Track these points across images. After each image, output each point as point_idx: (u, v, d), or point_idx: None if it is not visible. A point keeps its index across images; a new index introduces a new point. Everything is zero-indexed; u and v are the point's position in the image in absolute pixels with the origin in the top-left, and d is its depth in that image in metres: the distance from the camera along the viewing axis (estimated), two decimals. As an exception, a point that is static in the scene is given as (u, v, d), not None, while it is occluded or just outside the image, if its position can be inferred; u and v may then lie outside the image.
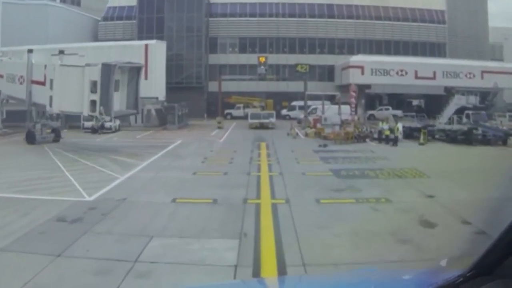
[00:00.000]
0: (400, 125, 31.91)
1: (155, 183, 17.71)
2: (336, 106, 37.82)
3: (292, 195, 15.24)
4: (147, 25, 54.69)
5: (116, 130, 39.15)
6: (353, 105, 34.34)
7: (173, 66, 53.50)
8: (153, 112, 42.81)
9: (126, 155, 24.96)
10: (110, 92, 25.20)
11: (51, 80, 27.78)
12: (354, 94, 34.03)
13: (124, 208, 13.90)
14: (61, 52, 33.59)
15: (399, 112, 54.38)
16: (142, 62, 42.32)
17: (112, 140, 33.43)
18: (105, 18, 59.20)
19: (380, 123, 31.77)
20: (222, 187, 16.56)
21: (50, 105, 28.23)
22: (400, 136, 31.03)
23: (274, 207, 13.80)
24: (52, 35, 52.01)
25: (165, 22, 54.66)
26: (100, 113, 25.55)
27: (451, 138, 32.09)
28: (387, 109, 54.12)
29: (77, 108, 26.97)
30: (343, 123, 34.42)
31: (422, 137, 30.79)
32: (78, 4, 64.09)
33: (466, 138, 31.50)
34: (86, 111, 26.71)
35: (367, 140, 31.66)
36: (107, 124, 37.83)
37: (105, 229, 11.65)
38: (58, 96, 27.52)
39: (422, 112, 54.96)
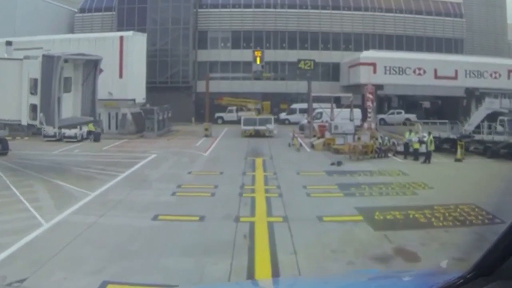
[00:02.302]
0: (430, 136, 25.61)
1: (88, 239, 11.24)
2: (346, 110, 31.41)
3: (309, 270, 8.88)
4: (128, 17, 48.03)
5: (83, 139, 32.57)
6: (370, 109, 27.91)
7: (156, 63, 46.96)
8: (129, 116, 36.21)
9: (75, 179, 18.62)
10: (53, 94, 18.70)
11: (-17, 79, 21.23)
12: (371, 96, 27.66)
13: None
14: (9, 43, 27.21)
15: (412, 117, 48.22)
16: (117, 57, 36.17)
17: (72, 153, 26.86)
18: (82, 10, 52.47)
19: (407, 133, 25.38)
20: (192, 252, 10.14)
21: (-17, 110, 21.66)
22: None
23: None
24: (21, 28, 45.46)
25: (148, 14, 48.03)
26: (40, 122, 19.00)
27: (492, 151, 25.86)
28: (399, 113, 47.93)
29: (13, 114, 20.42)
30: (357, 132, 28.10)
31: (459, 151, 24.48)
32: (55, -6, 57.53)
33: (510, 152, 25.30)
34: (25, 119, 20.17)
35: (390, 154, 25.28)
36: (70, 132, 31.26)
37: None
38: (-9, 99, 20.98)
39: (432, 115, 48.75)
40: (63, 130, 30.97)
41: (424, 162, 23.43)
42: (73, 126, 26.50)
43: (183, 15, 48.00)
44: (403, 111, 48.24)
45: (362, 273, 3.33)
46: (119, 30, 46.02)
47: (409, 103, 50.30)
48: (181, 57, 48.11)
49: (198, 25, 49.52)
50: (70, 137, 31.67)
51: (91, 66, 21.19)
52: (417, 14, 51.50)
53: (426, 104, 53.14)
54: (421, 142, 24.35)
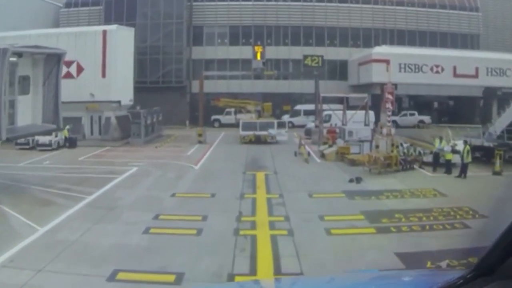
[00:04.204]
0: (461, 144, 21.68)
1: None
2: (360, 113, 27.44)
3: None
4: (116, 11, 43.98)
5: (59, 146, 28.63)
6: (390, 112, 23.96)
7: (146, 62, 43.19)
8: (114, 121, 32.19)
9: (28, 204, 14.77)
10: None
11: None
12: (390, 97, 23.61)
13: None
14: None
15: (426, 118, 44.38)
16: (99, 53, 32.22)
17: (40, 165, 22.83)
18: (67, 4, 48.41)
19: (437, 141, 21.37)
20: None
21: None
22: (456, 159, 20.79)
23: None
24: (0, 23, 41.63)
25: (138, 8, 44.02)
26: (-14, 132, 15.06)
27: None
28: (412, 115, 44.12)
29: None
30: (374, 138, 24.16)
31: (498, 162, 20.54)
32: (40, -11, 53.54)
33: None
34: (-31, 128, 16.17)
35: (415, 165, 21.30)
36: (44, 139, 27.32)
37: None
38: None
39: (444, 117, 44.95)
40: (36, 137, 27.10)
41: (459, 176, 19.48)
42: (33, 135, 22.43)
43: (176, 9, 43.92)
44: (416, 113, 44.36)
45: (362, 273, 3.20)
46: (106, 25, 42.13)
47: (419, 103, 46.30)
48: (174, 54, 44.05)
49: (193, 20, 45.41)
50: (44, 144, 27.72)
51: (54, 62, 17.22)
52: (430, 7, 47.48)
53: (438, 105, 49.16)
54: (454, 151, 20.41)
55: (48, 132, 21.33)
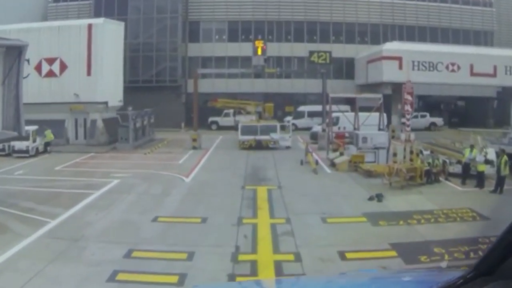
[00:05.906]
0: (492, 152, 18.83)
1: None
2: (375, 115, 24.51)
3: None
4: (107, 5, 41.07)
5: (39, 152, 25.83)
6: (409, 115, 21.11)
7: (139, 59, 40.47)
8: (100, 124, 29.32)
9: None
10: None
11: None
12: (410, 98, 20.72)
13: None
14: None
15: (439, 120, 41.60)
16: (84, 49, 29.39)
17: (10, 175, 19.94)
18: (56, -1, 45.70)
19: (467, 150, 18.44)
20: None
21: None
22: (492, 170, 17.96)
23: None
24: (-16, 19, 38.84)
25: (130, 1, 41.17)
26: None
27: None
28: (424, 116, 41.25)
29: None
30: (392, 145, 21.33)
31: (537, 175, 17.67)
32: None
33: None
34: None
35: (441, 178, 18.44)
36: (21, 145, 24.50)
37: None
38: None
39: (454, 118, 42.23)
40: (12, 143, 24.26)
41: (495, 191, 16.61)
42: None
43: (170, 3, 41.16)
44: (428, 114, 41.54)
45: (362, 273, 3.08)
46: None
47: (428, 104, 43.42)
48: (168, 51, 41.29)
49: (189, 14, 42.65)
50: (20, 151, 24.90)
51: (14, 56, 14.32)
52: (442, 2, 44.67)
53: (448, 106, 46.26)
54: (488, 162, 17.57)
55: (8, 141, 18.43)
